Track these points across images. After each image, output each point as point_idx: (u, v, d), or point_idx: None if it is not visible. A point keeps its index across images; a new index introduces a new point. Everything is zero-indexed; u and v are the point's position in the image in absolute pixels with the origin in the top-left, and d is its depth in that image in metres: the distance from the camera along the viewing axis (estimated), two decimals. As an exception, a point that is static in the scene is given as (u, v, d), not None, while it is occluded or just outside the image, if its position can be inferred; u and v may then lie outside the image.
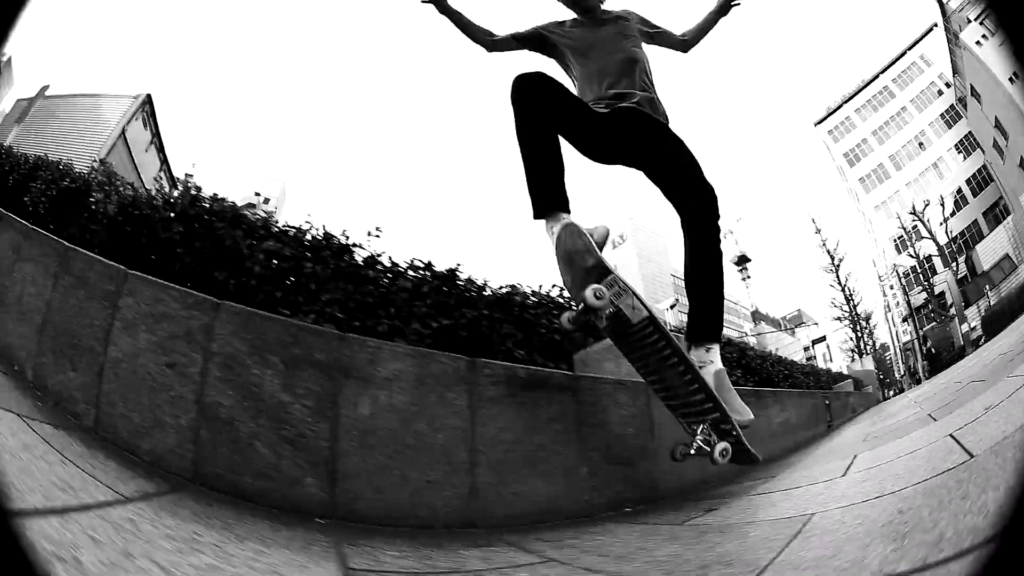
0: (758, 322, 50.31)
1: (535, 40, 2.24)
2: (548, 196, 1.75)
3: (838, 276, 36.58)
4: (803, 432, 4.51)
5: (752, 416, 1.79)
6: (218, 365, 1.49)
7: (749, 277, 45.32)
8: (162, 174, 26.80)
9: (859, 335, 35.73)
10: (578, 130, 1.91)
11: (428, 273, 2.57)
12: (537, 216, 1.76)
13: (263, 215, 2.42)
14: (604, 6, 2.24)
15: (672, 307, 53.35)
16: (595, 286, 1.56)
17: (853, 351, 35.42)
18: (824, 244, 37.40)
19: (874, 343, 38.15)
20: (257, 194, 43.16)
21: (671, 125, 2.07)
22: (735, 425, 1.71)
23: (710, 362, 1.80)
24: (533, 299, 2.90)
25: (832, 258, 37.04)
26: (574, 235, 1.69)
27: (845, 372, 16.49)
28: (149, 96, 25.97)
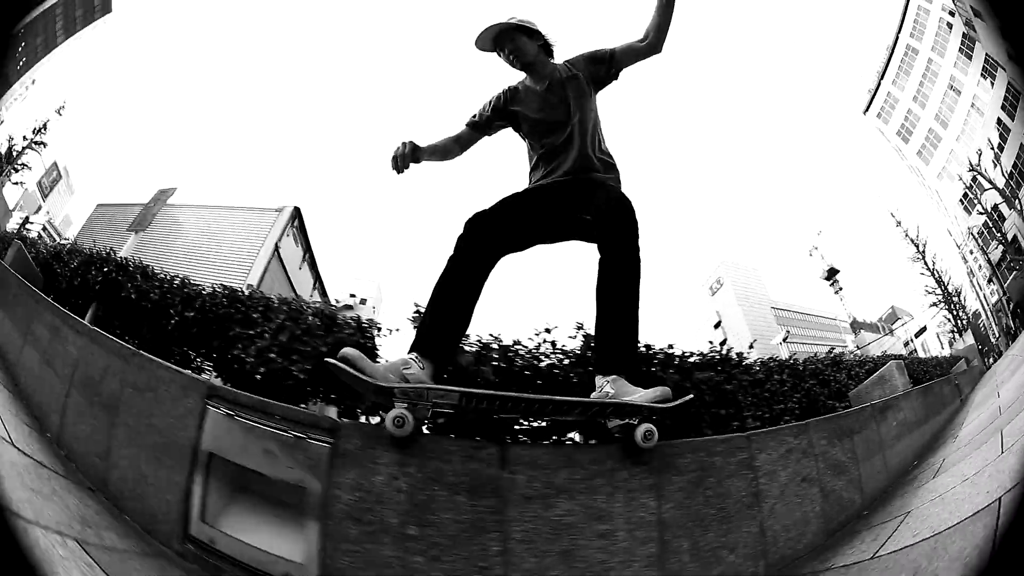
0: (858, 332, 47.61)
1: (493, 121, 2.19)
2: (429, 339, 1.74)
3: (926, 262, 35.68)
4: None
5: (662, 390, 1.71)
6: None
7: (841, 289, 44.31)
8: (315, 292, 24.97)
9: (955, 314, 34.23)
10: (524, 233, 1.98)
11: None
12: (424, 353, 1.70)
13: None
14: (555, 60, 2.16)
15: (784, 340, 51.37)
16: (393, 414, 1.51)
17: (953, 332, 34.03)
18: (907, 234, 36.39)
19: (967, 315, 35.79)
20: (352, 295, 42.40)
21: (620, 187, 2.07)
22: (648, 407, 1.67)
23: (608, 393, 1.71)
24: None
25: (916, 246, 36.21)
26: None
27: (951, 354, 15.09)
28: (298, 209, 23.69)
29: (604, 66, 2.11)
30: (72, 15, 50.54)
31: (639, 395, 1.69)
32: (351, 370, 1.53)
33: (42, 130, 25.11)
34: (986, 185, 33.00)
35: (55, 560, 1.11)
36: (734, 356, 2.99)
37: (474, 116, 2.23)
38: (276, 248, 20.76)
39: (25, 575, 0.76)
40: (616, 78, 2.14)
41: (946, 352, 26.40)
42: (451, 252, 1.85)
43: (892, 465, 2.56)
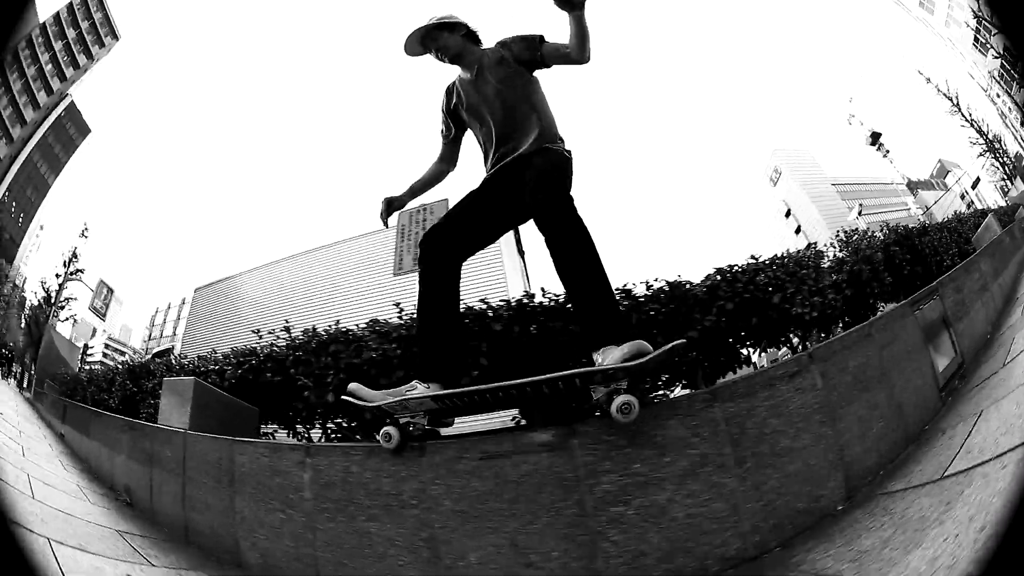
0: (916, 192, 45.94)
1: (452, 127, 2.19)
2: (424, 361, 1.80)
3: (962, 113, 35.02)
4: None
5: (632, 345, 1.52)
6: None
7: (888, 152, 43.67)
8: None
9: (1002, 161, 33.33)
10: (477, 234, 1.97)
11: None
12: (425, 378, 1.75)
13: None
14: (485, 45, 2.12)
15: (860, 214, 47.65)
16: (382, 431, 1.66)
17: (1004, 179, 32.58)
18: (938, 89, 35.59)
19: (1011, 160, 34.44)
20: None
21: (557, 152, 1.93)
22: (612, 369, 1.51)
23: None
24: None
25: (950, 99, 35.43)
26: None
27: (1008, 203, 14.73)
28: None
29: (530, 52, 2.03)
30: (52, 154, 51.44)
31: (605, 359, 1.57)
32: (353, 400, 1.78)
33: (73, 259, 25.01)
34: (993, 30, 32.51)
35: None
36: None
37: (441, 130, 2.26)
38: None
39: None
40: (542, 67, 2.05)
41: (1001, 202, 25.65)
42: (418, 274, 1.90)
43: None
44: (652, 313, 2.54)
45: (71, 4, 52.37)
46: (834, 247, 4.12)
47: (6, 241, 32.92)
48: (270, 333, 3.47)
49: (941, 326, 2.41)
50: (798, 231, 56.41)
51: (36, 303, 24.37)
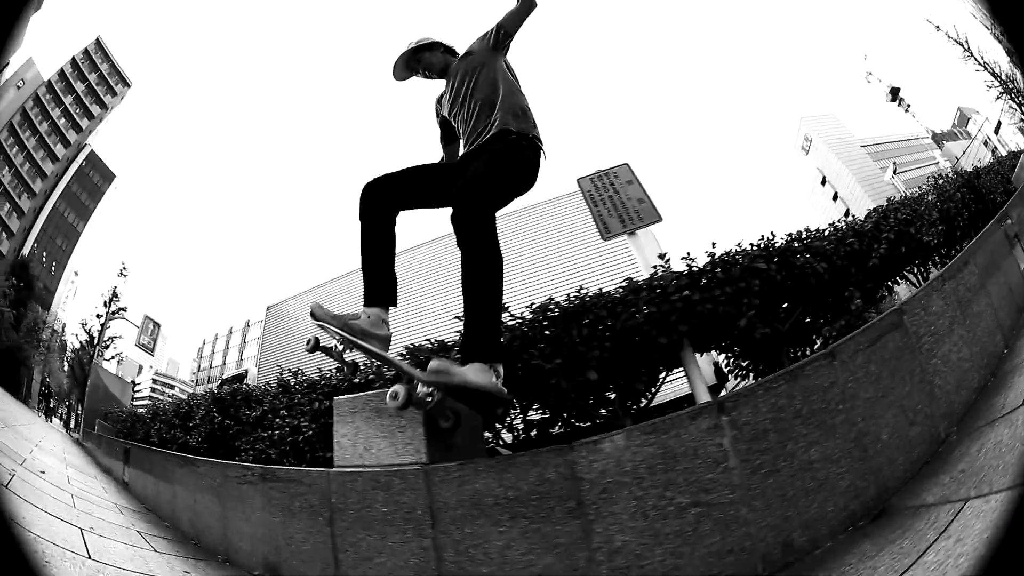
0: (941, 144, 44.49)
1: (446, 130, 2.25)
2: (374, 289, 1.89)
3: (975, 57, 31.68)
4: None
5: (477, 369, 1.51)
6: None
7: (909, 106, 41.90)
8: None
9: (1019, 102, 31.99)
10: (422, 193, 2.02)
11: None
12: (366, 304, 1.86)
13: None
14: (459, 49, 2.19)
15: (895, 173, 48.08)
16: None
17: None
18: (948, 36, 31.99)
19: None
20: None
21: (519, 135, 1.92)
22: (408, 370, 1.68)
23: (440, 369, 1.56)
24: None
25: (961, 45, 31.86)
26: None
27: None
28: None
29: (490, 36, 2.09)
30: (79, 202, 52.62)
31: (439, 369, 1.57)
32: (319, 322, 1.88)
33: (114, 298, 24.86)
34: (984, -39, 31.67)
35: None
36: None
37: (439, 136, 2.33)
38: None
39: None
40: (509, 38, 2.10)
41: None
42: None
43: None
44: (848, 250, 3.09)
45: (73, 59, 53.49)
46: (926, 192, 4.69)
47: (40, 291, 33.64)
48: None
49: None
50: (835, 198, 54.78)
51: (78, 345, 24.37)
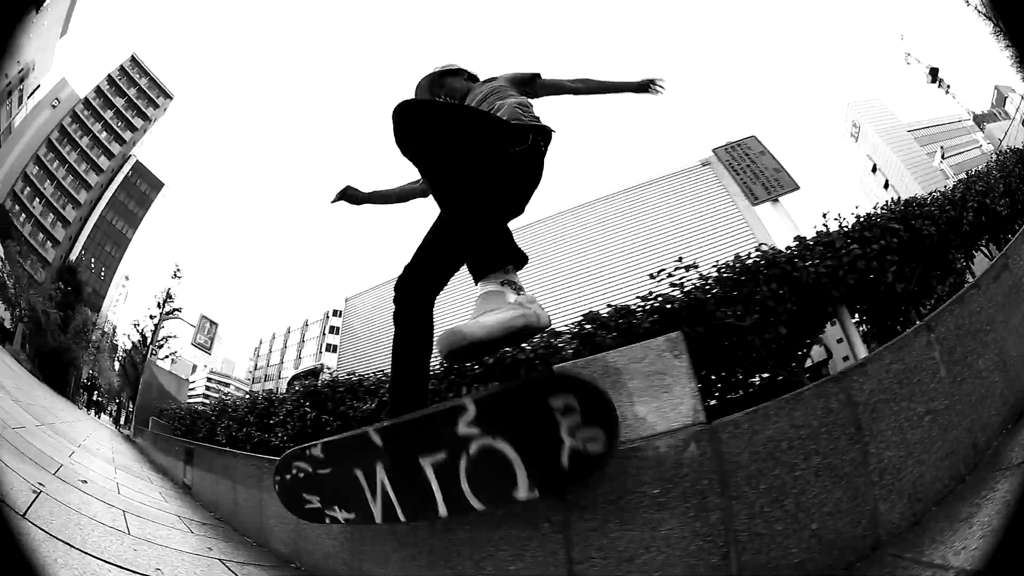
0: (983, 126, 42.50)
1: None
2: (394, 404, 1.67)
3: (1004, 32, 36.49)
4: None
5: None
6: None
7: (949, 87, 40.98)
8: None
9: None
10: (441, 268, 1.78)
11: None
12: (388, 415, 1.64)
13: None
14: (482, 78, 2.13)
15: (944, 157, 45.09)
16: None
17: None
18: (979, 11, 30.61)
19: None
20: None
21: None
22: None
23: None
24: None
25: (991, 19, 30.14)
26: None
27: None
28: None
29: (523, 73, 2.05)
30: (127, 210, 53.98)
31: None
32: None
33: (168, 299, 24.44)
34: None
35: None
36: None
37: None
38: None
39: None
40: (535, 86, 2.05)
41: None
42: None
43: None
44: (948, 216, 3.11)
45: (110, 76, 55.07)
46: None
47: (88, 295, 34.21)
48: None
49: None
50: (886, 185, 52.36)
51: (130, 345, 24.09)
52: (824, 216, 3.02)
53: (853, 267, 2.60)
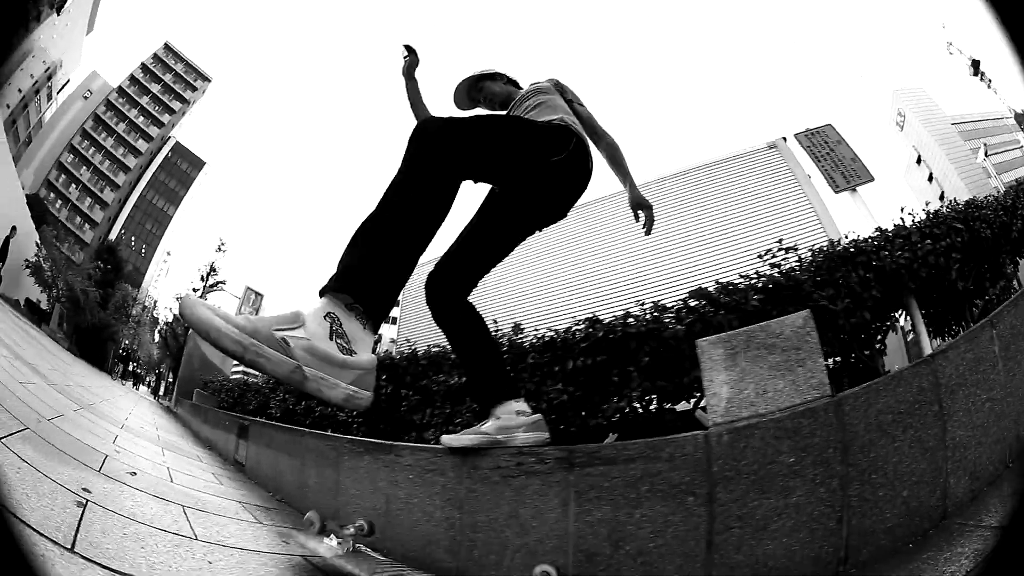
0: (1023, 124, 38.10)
1: None
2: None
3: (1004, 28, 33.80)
4: None
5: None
6: None
7: (991, 80, 38.04)
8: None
9: None
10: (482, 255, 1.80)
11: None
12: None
13: None
14: (524, 86, 2.07)
15: (987, 155, 42.45)
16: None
17: None
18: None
19: None
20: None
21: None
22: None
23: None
24: None
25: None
26: None
27: None
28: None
29: (568, 87, 1.99)
30: (168, 189, 54.63)
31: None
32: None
33: (212, 272, 24.61)
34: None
35: None
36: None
37: None
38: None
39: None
40: (576, 106, 1.93)
41: None
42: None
43: None
44: (1001, 221, 3.13)
45: (143, 64, 55.39)
46: None
47: (129, 272, 34.69)
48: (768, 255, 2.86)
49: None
50: (930, 179, 49.82)
51: (171, 318, 24.29)
52: (902, 210, 3.17)
53: (926, 261, 2.70)
